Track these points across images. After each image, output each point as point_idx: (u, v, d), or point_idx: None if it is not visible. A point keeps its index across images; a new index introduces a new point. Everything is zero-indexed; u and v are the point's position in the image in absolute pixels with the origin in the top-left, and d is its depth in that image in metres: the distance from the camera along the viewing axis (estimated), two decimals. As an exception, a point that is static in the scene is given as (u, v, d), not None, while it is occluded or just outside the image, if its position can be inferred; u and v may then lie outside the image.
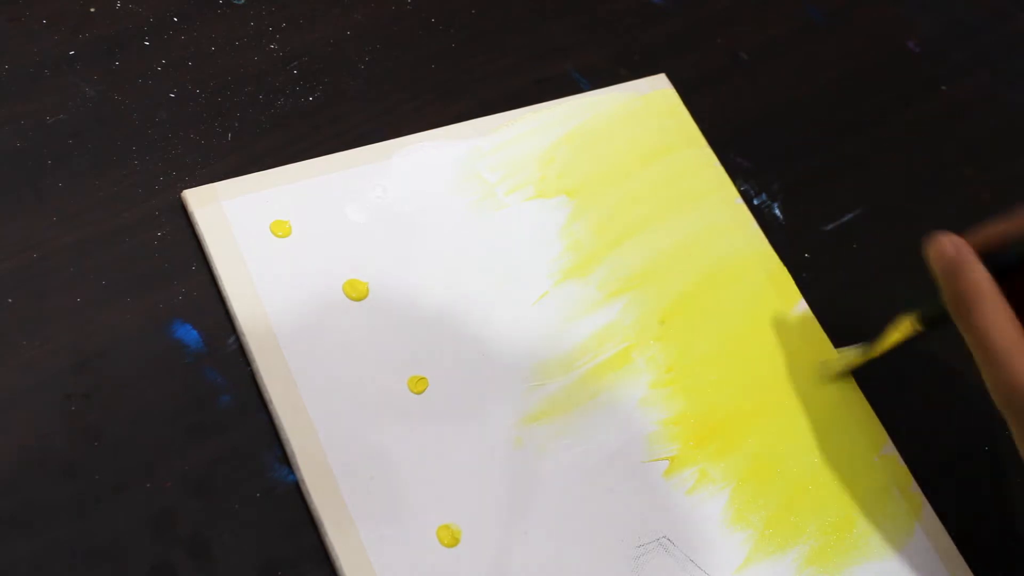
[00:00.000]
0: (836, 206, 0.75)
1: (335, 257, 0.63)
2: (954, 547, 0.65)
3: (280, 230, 0.63)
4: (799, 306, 0.70)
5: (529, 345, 0.64)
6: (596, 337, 0.65)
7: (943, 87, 0.82)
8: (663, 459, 0.63)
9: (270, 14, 0.71)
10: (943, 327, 0.60)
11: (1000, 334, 0.55)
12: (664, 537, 0.61)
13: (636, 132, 0.73)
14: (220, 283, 0.61)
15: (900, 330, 0.64)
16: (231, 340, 0.60)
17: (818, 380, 0.67)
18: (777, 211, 0.74)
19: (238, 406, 0.59)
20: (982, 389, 0.71)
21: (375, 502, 0.58)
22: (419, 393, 0.61)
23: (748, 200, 0.73)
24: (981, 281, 0.56)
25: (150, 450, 0.57)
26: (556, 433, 0.62)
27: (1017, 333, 0.55)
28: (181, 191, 0.63)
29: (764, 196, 0.74)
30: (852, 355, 0.67)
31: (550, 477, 0.61)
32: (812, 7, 0.83)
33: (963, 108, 0.81)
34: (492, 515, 0.59)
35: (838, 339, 0.69)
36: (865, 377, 0.68)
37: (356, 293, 0.63)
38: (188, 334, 0.60)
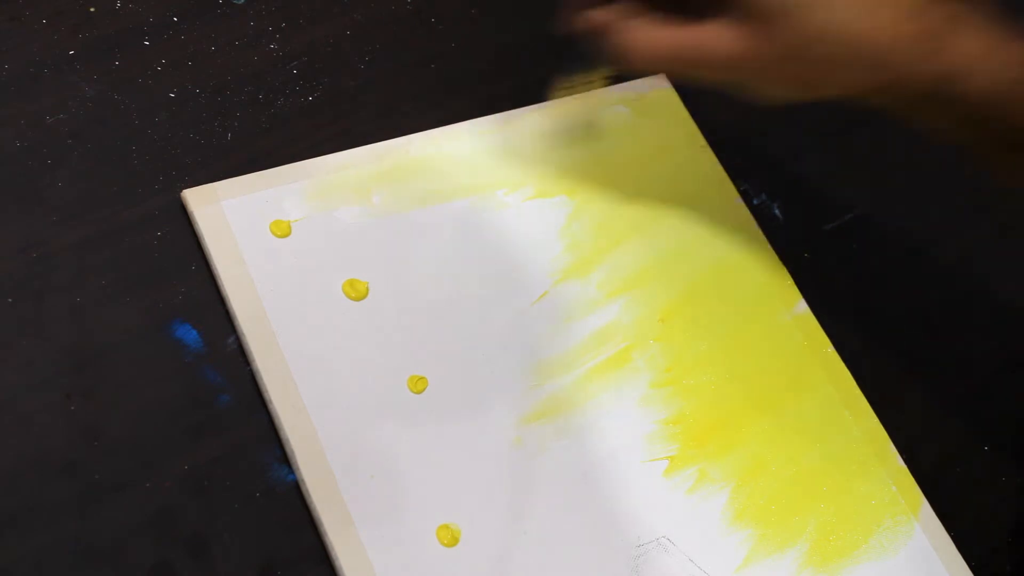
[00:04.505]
0: (836, 206, 0.75)
1: (335, 257, 0.63)
2: (954, 547, 0.65)
3: (280, 230, 0.63)
4: (799, 306, 0.70)
5: (529, 345, 0.64)
6: (596, 337, 0.65)
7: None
8: (663, 459, 0.63)
9: (270, 14, 0.71)
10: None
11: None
12: (664, 537, 0.61)
13: (636, 132, 0.73)
14: (220, 283, 0.61)
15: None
16: (231, 340, 0.60)
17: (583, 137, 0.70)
18: (777, 211, 0.74)
19: (238, 406, 0.59)
20: (982, 389, 0.71)
21: (375, 502, 0.58)
22: (419, 393, 0.61)
23: (748, 200, 0.73)
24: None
25: (150, 450, 0.57)
26: (556, 433, 0.62)
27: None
28: (181, 191, 0.63)
29: (764, 196, 0.74)
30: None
31: (550, 477, 0.61)
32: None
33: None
34: (492, 515, 0.59)
35: (838, 339, 0.69)
36: (865, 377, 0.68)
37: (356, 293, 0.63)
38: (188, 334, 0.60)
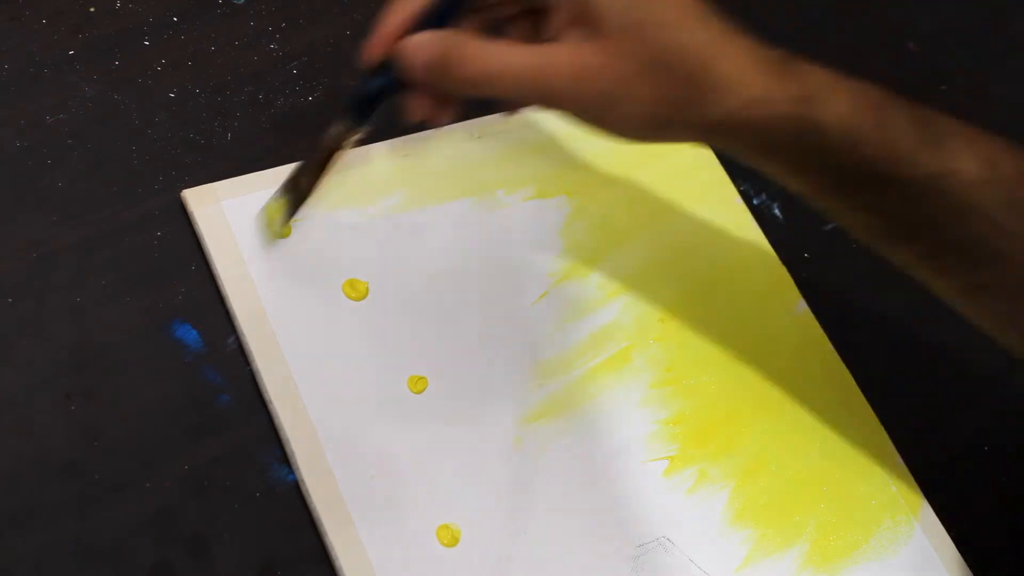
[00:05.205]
0: (836, 206, 0.75)
1: (335, 257, 0.63)
2: (954, 547, 0.65)
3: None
4: (799, 306, 0.70)
5: (529, 345, 0.64)
6: (596, 337, 0.65)
7: (943, 87, 0.82)
8: (663, 459, 0.63)
9: (270, 14, 0.71)
10: (376, 106, 0.58)
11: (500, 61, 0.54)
12: (664, 537, 0.61)
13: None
14: (220, 283, 0.61)
15: (326, 145, 0.59)
16: (231, 340, 0.60)
17: (269, 237, 0.61)
18: (777, 211, 0.74)
19: (238, 406, 0.59)
20: (982, 389, 0.71)
21: (375, 502, 0.58)
22: (419, 393, 0.61)
23: (748, 200, 0.73)
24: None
25: (150, 450, 0.57)
26: (556, 433, 0.62)
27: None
28: (181, 191, 0.63)
29: (764, 196, 0.74)
30: (282, 202, 0.61)
31: (550, 477, 0.61)
32: (812, 6, 0.83)
33: (963, 108, 0.81)
34: (492, 515, 0.59)
35: (838, 339, 0.69)
36: (865, 378, 0.68)
37: (356, 293, 0.63)
38: (188, 334, 0.60)
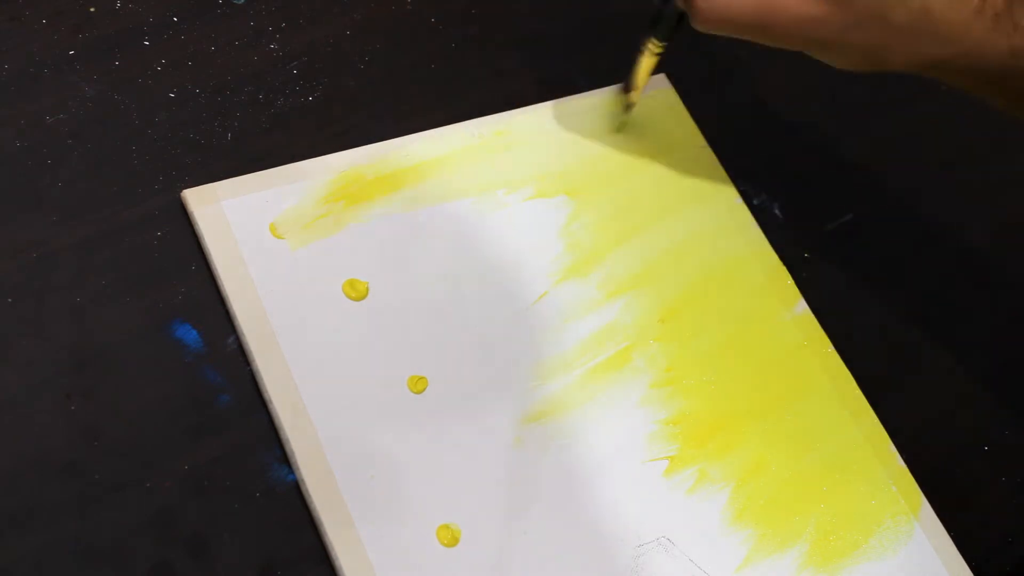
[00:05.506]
0: (836, 206, 0.75)
1: (335, 257, 0.63)
2: (954, 547, 0.65)
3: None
4: (799, 306, 0.70)
5: (529, 345, 0.64)
6: (596, 337, 0.65)
7: (943, 87, 0.82)
8: (663, 459, 0.63)
9: (270, 14, 0.71)
10: (679, 31, 0.66)
11: None
12: (664, 537, 0.61)
13: (636, 132, 0.73)
14: (220, 283, 0.61)
15: (646, 53, 0.68)
16: (231, 340, 0.60)
17: (615, 129, 0.72)
18: (777, 211, 0.74)
19: (238, 406, 0.59)
20: (982, 389, 0.71)
21: (375, 502, 0.58)
22: (419, 393, 0.61)
23: (748, 200, 0.73)
24: None
25: (150, 450, 0.57)
26: (556, 433, 0.62)
27: None
28: (181, 191, 0.63)
29: (764, 196, 0.74)
30: (620, 95, 0.71)
31: (550, 477, 0.61)
32: (812, 7, 0.83)
33: (963, 108, 0.81)
34: (492, 515, 0.59)
35: (838, 339, 0.69)
36: (865, 378, 0.68)
37: (356, 293, 0.63)
38: (188, 334, 0.60)
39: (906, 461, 0.66)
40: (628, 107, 0.71)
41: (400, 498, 0.58)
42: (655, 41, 0.67)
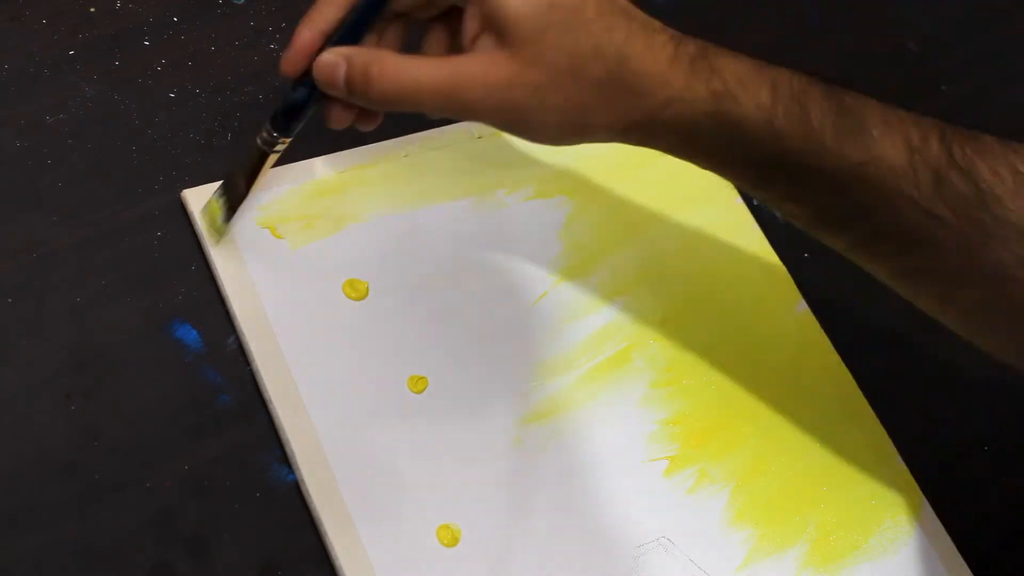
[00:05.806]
0: (836, 206, 0.75)
1: (335, 257, 0.63)
2: (954, 547, 0.65)
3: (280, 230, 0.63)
4: (799, 306, 0.70)
5: (529, 345, 0.64)
6: (596, 337, 0.65)
7: (943, 87, 0.82)
8: (663, 459, 0.63)
9: (270, 14, 0.71)
10: (300, 117, 0.57)
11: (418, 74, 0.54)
12: (664, 537, 0.61)
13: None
14: (220, 283, 0.61)
15: (256, 148, 0.58)
16: (231, 340, 0.60)
17: (211, 237, 0.61)
18: (777, 211, 0.73)
19: (238, 406, 0.59)
20: (982, 389, 0.71)
21: (375, 502, 0.58)
22: (419, 393, 0.61)
23: (748, 200, 0.73)
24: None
25: (150, 450, 0.57)
26: (556, 433, 0.62)
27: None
28: (181, 191, 0.63)
29: (764, 196, 0.74)
30: (220, 200, 0.61)
31: (550, 477, 0.61)
32: (812, 7, 0.83)
33: (963, 108, 0.81)
34: (492, 515, 0.59)
35: (838, 339, 0.69)
36: (865, 378, 0.68)
37: (356, 293, 0.63)
38: (188, 334, 0.60)
39: (906, 461, 0.66)
40: (229, 215, 0.60)
41: (400, 498, 0.58)
42: (284, 139, 0.57)
